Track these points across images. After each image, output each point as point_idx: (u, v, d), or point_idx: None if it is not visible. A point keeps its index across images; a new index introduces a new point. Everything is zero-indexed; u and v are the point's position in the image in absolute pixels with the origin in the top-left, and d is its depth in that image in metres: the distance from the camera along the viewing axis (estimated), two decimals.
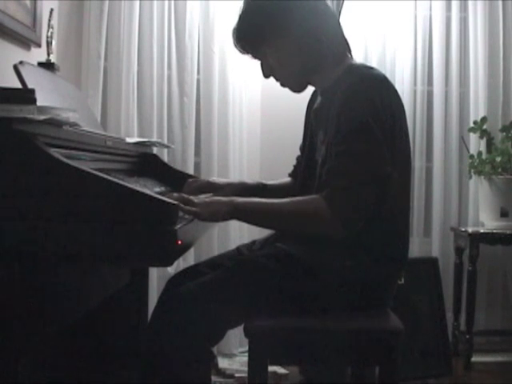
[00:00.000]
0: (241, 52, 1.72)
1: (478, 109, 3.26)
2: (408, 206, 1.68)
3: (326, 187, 1.51)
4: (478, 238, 2.99)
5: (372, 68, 1.67)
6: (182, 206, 1.42)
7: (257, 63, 1.75)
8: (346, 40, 1.73)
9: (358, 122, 1.50)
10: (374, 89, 1.55)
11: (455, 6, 3.26)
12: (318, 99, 1.76)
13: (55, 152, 1.25)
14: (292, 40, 1.64)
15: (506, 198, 3.03)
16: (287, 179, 1.95)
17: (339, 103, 1.56)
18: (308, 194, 1.66)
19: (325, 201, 1.48)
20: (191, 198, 1.49)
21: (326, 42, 1.65)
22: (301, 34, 1.64)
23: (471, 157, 3.16)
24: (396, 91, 1.62)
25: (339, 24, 1.72)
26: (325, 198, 1.49)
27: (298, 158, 1.92)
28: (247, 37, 1.67)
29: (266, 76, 1.73)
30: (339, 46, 1.70)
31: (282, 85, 1.73)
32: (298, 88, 1.74)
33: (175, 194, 1.50)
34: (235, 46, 1.71)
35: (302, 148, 1.87)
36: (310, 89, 1.82)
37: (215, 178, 1.99)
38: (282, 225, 1.59)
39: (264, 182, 1.92)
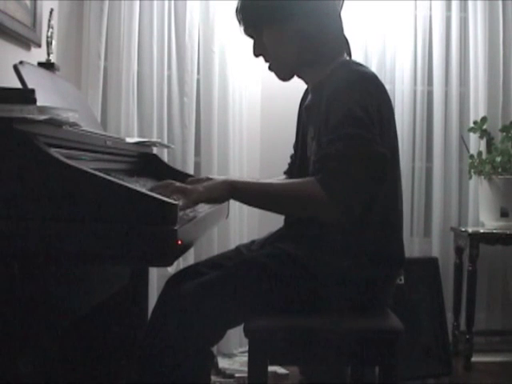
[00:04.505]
0: (239, 23, 1.71)
1: (478, 109, 3.26)
2: (398, 204, 1.66)
3: (320, 172, 1.49)
4: (477, 238, 2.99)
5: (362, 65, 1.67)
6: (181, 202, 1.41)
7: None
8: (346, 39, 1.73)
9: (345, 111, 1.50)
10: (361, 83, 1.56)
11: (455, 5, 3.27)
12: (309, 96, 1.76)
13: (55, 152, 1.25)
14: (296, 27, 1.64)
15: (506, 198, 3.03)
16: (282, 177, 1.96)
17: (327, 99, 1.56)
18: None
19: (320, 184, 1.46)
20: (184, 185, 1.48)
21: (325, 39, 1.66)
22: (306, 23, 1.64)
23: (471, 157, 3.16)
24: (384, 89, 1.62)
25: (341, 23, 1.72)
26: (319, 182, 1.46)
27: (292, 157, 1.93)
28: (253, 12, 1.67)
29: (256, 55, 1.73)
30: (337, 44, 1.70)
31: (270, 68, 1.73)
32: (284, 76, 1.74)
33: (168, 182, 1.48)
34: (236, 14, 1.71)
35: (295, 146, 1.88)
36: (304, 87, 1.83)
37: (214, 176, 1.99)
38: (277, 207, 1.57)
39: (262, 179, 1.93)
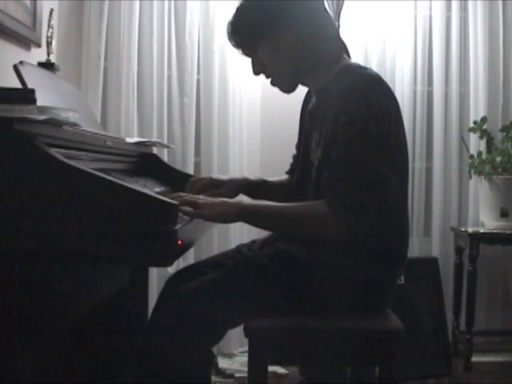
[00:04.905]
0: (234, 46, 1.71)
1: (477, 109, 3.26)
2: (406, 205, 1.68)
3: (327, 193, 1.51)
4: (477, 238, 2.99)
5: (366, 68, 1.66)
6: (187, 209, 1.42)
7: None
8: (342, 42, 1.73)
9: (356, 125, 1.49)
10: (370, 89, 1.54)
11: (455, 5, 3.26)
12: (313, 100, 1.76)
13: (55, 152, 1.25)
14: (288, 40, 1.64)
15: (506, 198, 3.03)
16: (285, 176, 1.96)
17: (336, 106, 1.55)
18: (303, 195, 1.68)
19: (328, 207, 1.48)
20: (195, 198, 1.50)
21: (321, 44, 1.66)
22: (297, 34, 1.63)
23: (471, 157, 3.16)
24: (391, 90, 1.61)
25: (335, 26, 1.72)
26: (328, 204, 1.49)
27: (295, 157, 1.93)
28: (243, 31, 1.67)
29: (256, 73, 1.73)
30: (334, 48, 1.69)
31: (273, 83, 1.73)
32: (288, 88, 1.73)
33: (180, 194, 1.50)
34: (229, 39, 1.71)
35: (298, 147, 1.88)
36: (305, 89, 1.83)
37: (217, 175, 1.99)
38: (286, 229, 1.61)
39: (264, 178, 1.93)
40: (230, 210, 1.50)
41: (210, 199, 1.52)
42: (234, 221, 1.55)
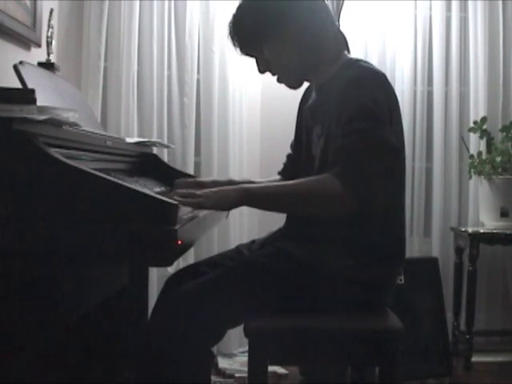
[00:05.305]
0: (236, 47, 1.71)
1: (478, 109, 3.26)
2: (403, 204, 1.68)
3: (335, 165, 1.50)
4: (477, 238, 2.99)
5: (368, 62, 1.68)
6: (188, 200, 1.41)
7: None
8: (343, 37, 1.73)
9: (358, 105, 1.51)
10: (373, 80, 1.57)
11: (455, 5, 3.26)
12: (313, 96, 1.76)
13: (55, 152, 1.25)
14: (293, 35, 1.64)
15: (506, 198, 3.03)
16: (276, 177, 1.95)
17: (339, 95, 1.56)
18: None
19: (336, 178, 1.46)
20: (193, 191, 1.49)
21: (323, 39, 1.66)
22: (299, 30, 1.64)
23: (471, 157, 3.16)
24: (393, 89, 1.63)
25: (334, 21, 1.73)
26: (336, 175, 1.47)
27: (288, 156, 1.93)
28: (247, 31, 1.67)
29: (262, 72, 1.74)
30: (336, 43, 1.71)
31: (279, 80, 1.74)
32: (295, 84, 1.74)
33: (176, 191, 1.50)
34: (232, 40, 1.70)
35: (294, 146, 1.88)
36: (305, 86, 1.83)
37: (201, 178, 1.99)
38: (294, 206, 1.56)
39: (252, 179, 1.92)
40: (231, 194, 1.48)
41: (208, 190, 1.50)
42: (236, 205, 1.51)
